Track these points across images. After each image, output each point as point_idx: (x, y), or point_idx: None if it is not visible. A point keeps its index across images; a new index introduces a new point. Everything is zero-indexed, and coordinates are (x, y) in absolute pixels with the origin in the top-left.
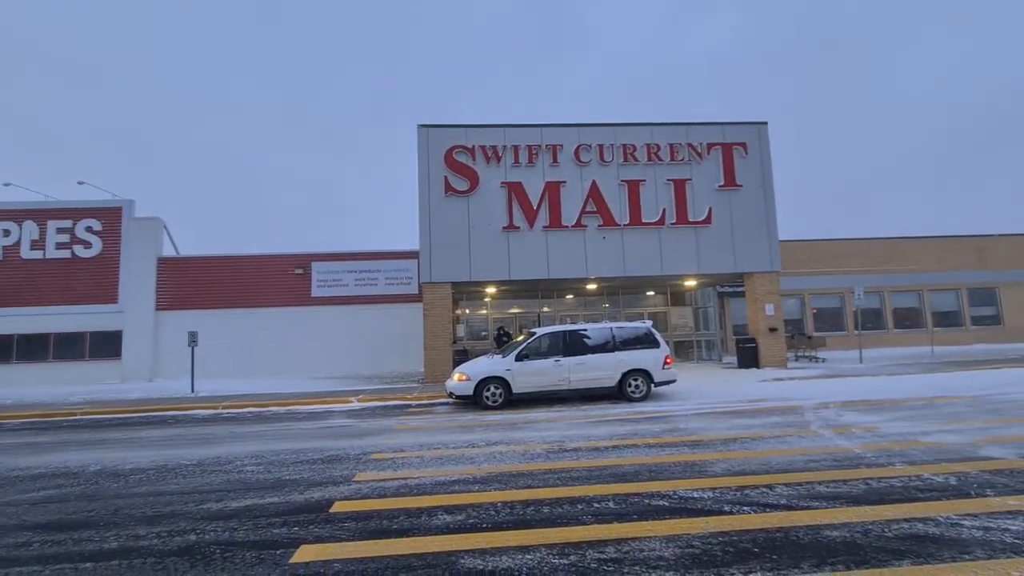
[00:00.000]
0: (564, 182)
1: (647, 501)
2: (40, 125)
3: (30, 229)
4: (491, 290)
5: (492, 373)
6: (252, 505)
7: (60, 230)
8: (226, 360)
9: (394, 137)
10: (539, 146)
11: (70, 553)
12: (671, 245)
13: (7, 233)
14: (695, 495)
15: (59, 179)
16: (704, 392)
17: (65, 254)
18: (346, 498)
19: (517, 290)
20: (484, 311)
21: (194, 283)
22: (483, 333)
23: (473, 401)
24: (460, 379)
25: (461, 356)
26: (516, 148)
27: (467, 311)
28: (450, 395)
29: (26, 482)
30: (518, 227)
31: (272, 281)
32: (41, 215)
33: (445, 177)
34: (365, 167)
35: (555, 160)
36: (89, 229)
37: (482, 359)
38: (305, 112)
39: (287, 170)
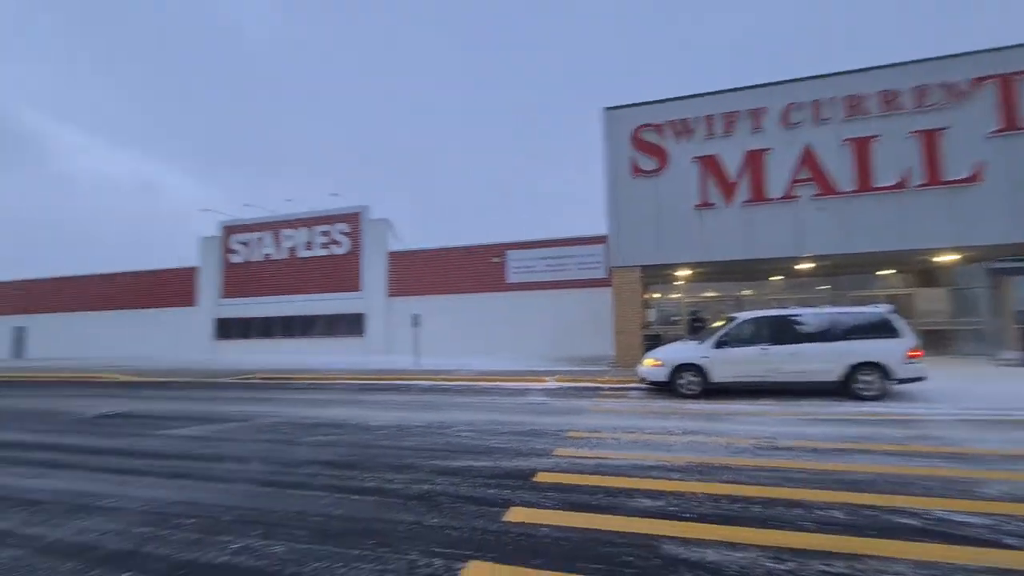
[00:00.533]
0: (769, 149)
1: (888, 517)
2: (286, 143)
3: (303, 234)
4: (683, 273)
5: (688, 360)
6: (469, 466)
7: (323, 234)
8: (441, 339)
9: (574, 125)
10: (736, 113)
11: (342, 486)
12: (916, 212)
13: (289, 238)
14: (958, 519)
15: (313, 189)
16: (968, 394)
17: (325, 252)
18: (547, 470)
19: (712, 272)
20: (676, 295)
21: (414, 273)
22: (674, 318)
23: (667, 388)
24: (653, 364)
25: (652, 341)
26: (709, 119)
27: (658, 295)
28: (642, 380)
29: (310, 428)
30: (712, 204)
31: (473, 269)
32: (310, 222)
33: (632, 158)
34: (552, 156)
35: (757, 126)
36: (341, 231)
37: (676, 344)
38: (489, 103)
39: (478, 165)
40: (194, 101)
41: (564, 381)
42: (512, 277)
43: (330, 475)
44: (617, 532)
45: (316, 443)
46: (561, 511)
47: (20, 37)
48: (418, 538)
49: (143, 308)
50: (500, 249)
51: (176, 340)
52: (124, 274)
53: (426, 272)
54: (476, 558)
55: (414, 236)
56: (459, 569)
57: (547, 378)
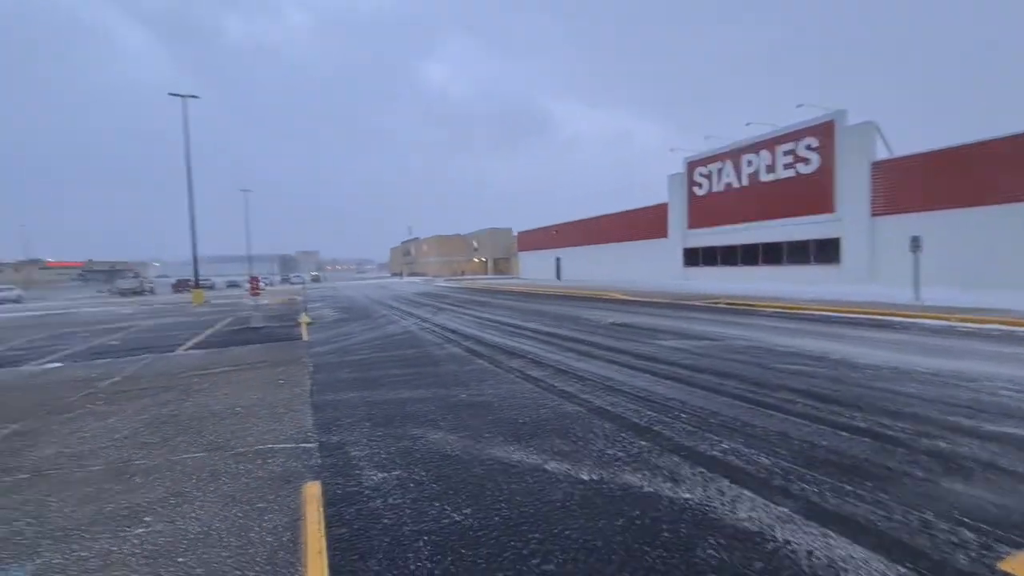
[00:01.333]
0: None
1: None
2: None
3: (764, 157)
4: None
5: None
6: (1012, 434)
7: (786, 152)
8: (949, 267)
9: None
10: None
11: (824, 419)
12: None
13: (750, 163)
14: None
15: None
16: None
17: (791, 173)
18: None
19: None
20: None
21: (910, 185)
22: None
23: None
24: None
25: None
26: None
27: None
28: None
29: (783, 356)
30: None
31: (1013, 171)
32: (771, 143)
33: None
34: None
35: None
36: (808, 147)
37: None
38: None
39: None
40: (648, 53)
41: None
42: None
43: (809, 405)
44: None
45: (790, 371)
46: None
47: (523, 41)
48: (934, 499)
49: (627, 241)
50: None
51: (652, 267)
52: (613, 215)
53: (929, 182)
54: None
55: (909, 140)
56: (1004, 555)
57: None
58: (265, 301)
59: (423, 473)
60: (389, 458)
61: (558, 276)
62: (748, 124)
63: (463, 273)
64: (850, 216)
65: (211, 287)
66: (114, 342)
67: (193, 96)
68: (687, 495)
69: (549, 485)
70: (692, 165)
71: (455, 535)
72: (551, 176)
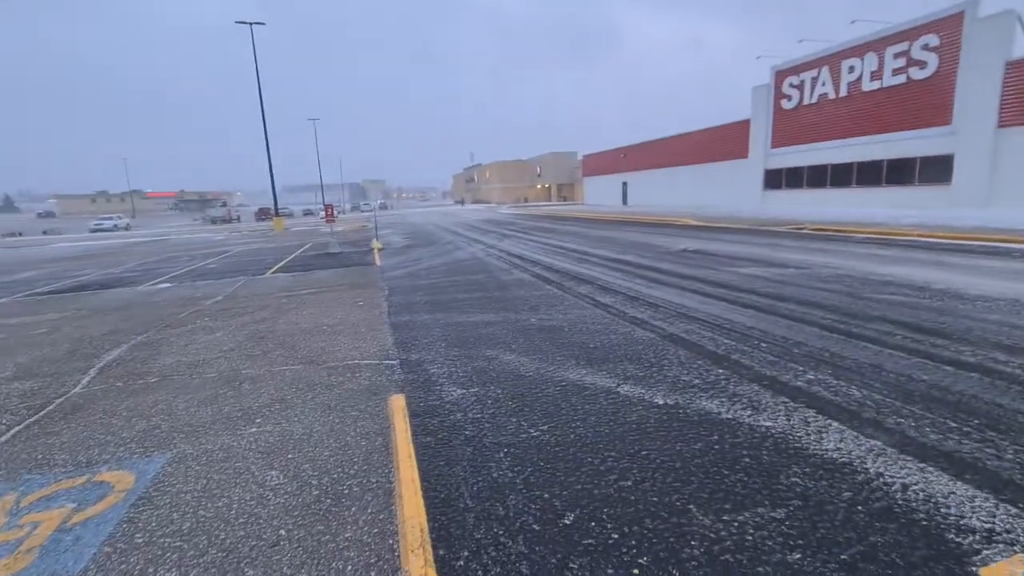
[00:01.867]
0: None
1: None
2: None
3: (870, 61)
4: None
5: None
6: None
7: (897, 55)
8: None
9: None
10: None
11: (926, 352)
12: None
13: (851, 70)
14: None
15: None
16: None
17: (900, 79)
18: None
19: None
20: None
21: None
22: None
23: None
24: None
25: None
26: None
27: None
28: None
29: (877, 285)
30: None
31: None
32: (879, 44)
33: None
34: None
35: None
36: (925, 47)
37: None
38: None
39: None
40: None
41: None
42: None
43: (908, 337)
44: None
45: (887, 302)
46: None
47: None
48: None
49: (700, 163)
50: None
51: (728, 191)
52: (684, 135)
53: None
54: None
55: None
56: None
57: None
58: (339, 228)
59: (499, 391)
60: (466, 376)
61: (624, 202)
62: (853, 22)
63: (526, 200)
64: (970, 128)
65: (289, 215)
66: (212, 265)
67: (259, 23)
68: (768, 423)
69: (623, 407)
70: (781, 75)
71: (533, 449)
72: (617, 95)
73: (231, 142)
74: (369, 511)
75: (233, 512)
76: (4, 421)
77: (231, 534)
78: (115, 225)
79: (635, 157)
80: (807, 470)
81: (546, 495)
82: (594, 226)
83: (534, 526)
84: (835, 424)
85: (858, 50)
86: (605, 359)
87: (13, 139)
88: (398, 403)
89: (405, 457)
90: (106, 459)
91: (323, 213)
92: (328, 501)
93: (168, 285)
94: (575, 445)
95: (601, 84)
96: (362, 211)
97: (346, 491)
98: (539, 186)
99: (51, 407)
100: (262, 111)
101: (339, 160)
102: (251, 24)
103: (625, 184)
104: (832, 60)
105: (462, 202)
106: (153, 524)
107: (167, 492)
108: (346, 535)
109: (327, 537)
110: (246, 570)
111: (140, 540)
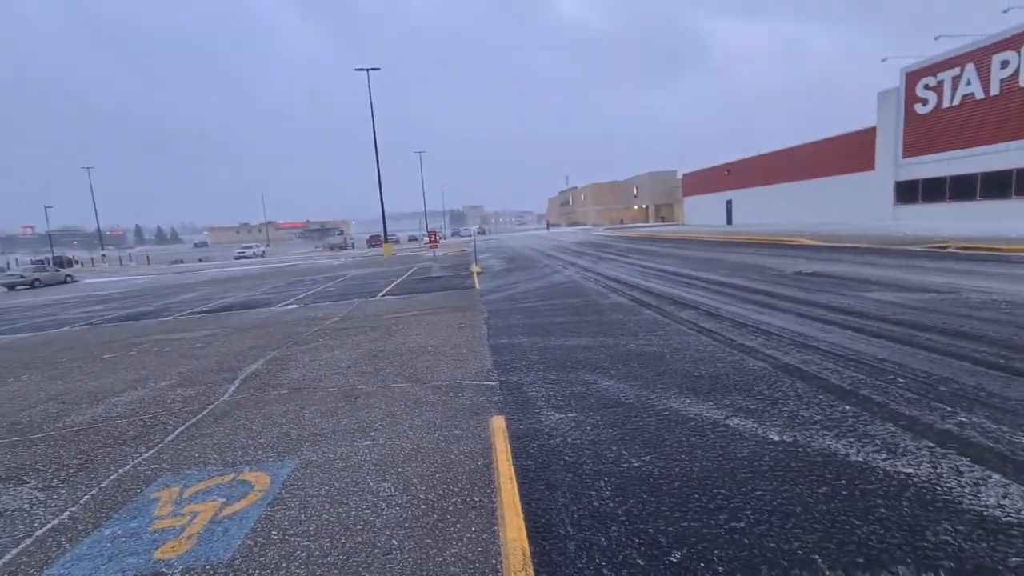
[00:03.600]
0: None
1: None
2: None
3: None
4: None
5: None
6: None
7: None
8: None
9: None
10: None
11: None
12: None
13: (1004, 65)
14: None
15: None
16: None
17: None
18: None
19: None
20: None
21: None
22: None
23: None
24: None
25: None
26: None
27: None
28: None
29: None
30: None
31: None
32: None
33: None
34: None
35: None
36: None
37: None
38: None
39: None
40: None
41: None
42: None
43: None
44: None
45: None
46: None
47: None
48: None
49: (816, 178)
50: None
51: (849, 207)
52: (797, 148)
53: None
54: None
55: None
56: None
57: None
58: (441, 252)
59: (598, 417)
60: (564, 400)
61: (729, 221)
62: (1006, 11)
63: (622, 221)
64: None
65: (396, 241)
66: (330, 288)
67: (374, 68)
68: (909, 470)
69: (734, 442)
70: (913, 77)
71: (635, 480)
72: (712, 110)
73: (348, 173)
74: (473, 529)
75: (351, 518)
76: (171, 422)
77: (350, 539)
78: (254, 252)
79: (740, 173)
80: (961, 528)
81: (650, 529)
82: (696, 247)
83: (638, 560)
84: (996, 476)
85: (1015, 41)
86: (711, 389)
87: (178, 180)
88: (498, 424)
89: (506, 479)
90: (247, 460)
91: (427, 239)
92: (435, 516)
93: (295, 306)
94: (680, 479)
95: (694, 99)
96: (461, 236)
97: (451, 508)
98: (636, 207)
99: (204, 412)
100: (376, 150)
101: (441, 188)
102: (368, 70)
103: (730, 202)
104: (979, 55)
105: (553, 225)
106: (286, 523)
107: (296, 495)
108: (452, 551)
109: (434, 551)
110: (363, 574)
111: (275, 537)
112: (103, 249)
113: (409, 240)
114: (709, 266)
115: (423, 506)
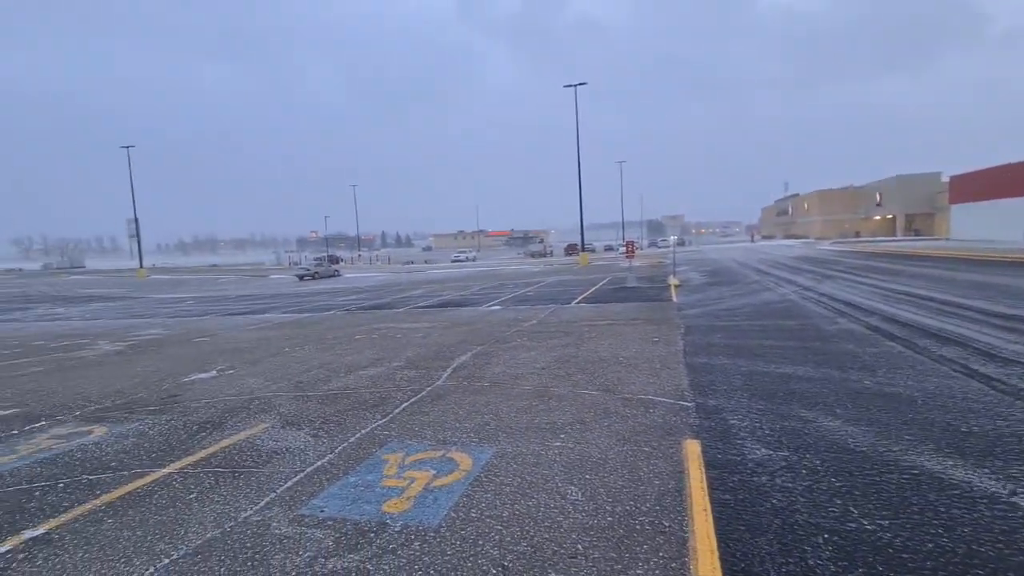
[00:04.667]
0: None
1: None
2: None
3: None
4: None
5: None
6: None
7: None
8: None
9: None
10: None
11: None
12: None
13: None
14: None
15: None
16: None
17: None
18: None
19: None
20: None
21: None
22: None
23: None
24: None
25: None
26: None
27: None
28: None
29: None
30: None
31: None
32: None
33: None
34: None
35: None
36: None
37: None
38: None
39: None
40: None
41: None
42: None
43: None
44: None
45: None
46: None
47: None
48: None
49: None
50: None
51: None
52: None
53: None
54: None
55: None
56: None
57: None
58: (637, 263)
59: (817, 462)
60: (773, 435)
61: None
62: None
63: (857, 234)
64: None
65: (592, 250)
66: (529, 293)
67: (582, 84)
68: None
69: (1022, 528)
70: None
71: (866, 546)
72: (978, 99)
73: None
74: (661, 555)
75: (540, 514)
76: (399, 397)
77: (538, 534)
78: (466, 257)
79: None
80: None
81: None
82: (968, 268)
83: None
84: None
85: None
86: (988, 452)
87: (412, 194)
88: (693, 449)
89: (700, 510)
90: (454, 441)
91: (623, 249)
92: (620, 531)
93: (498, 308)
94: (936, 558)
95: (952, 85)
96: (659, 247)
97: (637, 526)
98: (878, 217)
99: (423, 393)
100: (578, 164)
101: (640, 198)
102: (575, 86)
103: None
104: None
105: (752, 238)
106: (483, 504)
107: (493, 480)
108: (636, 571)
109: (619, 567)
110: (548, 571)
111: (474, 515)
112: (359, 250)
113: (605, 249)
114: (987, 293)
115: (608, 518)
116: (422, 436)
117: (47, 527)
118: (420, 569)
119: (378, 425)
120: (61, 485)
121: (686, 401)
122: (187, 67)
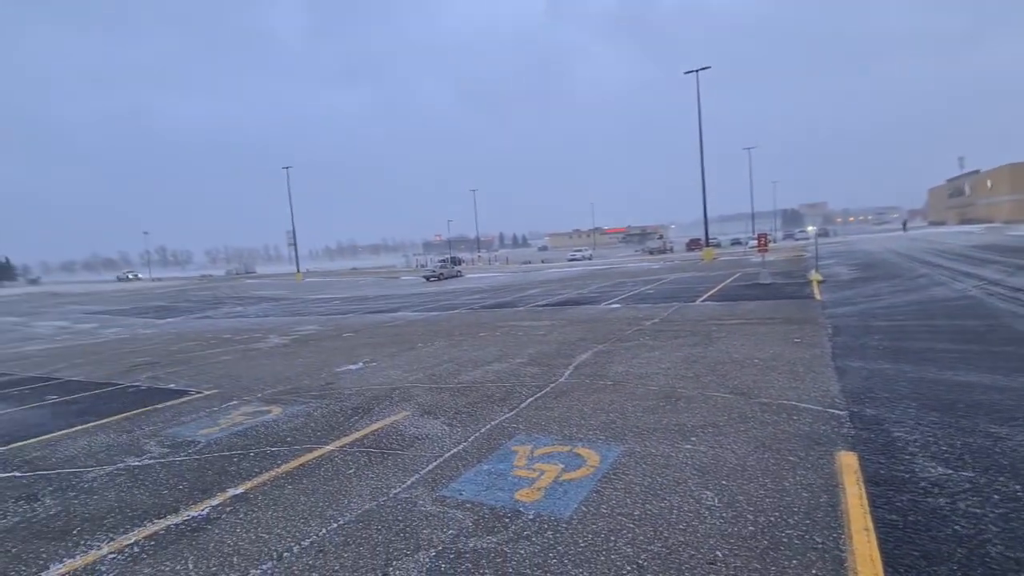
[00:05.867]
0: None
1: None
2: None
3: None
4: None
5: None
6: None
7: None
8: None
9: None
10: None
11: None
12: None
13: None
14: None
15: None
16: None
17: None
18: None
19: None
20: None
21: None
22: None
23: None
24: None
25: None
26: None
27: None
28: None
29: None
30: None
31: None
32: None
33: None
34: None
35: None
36: None
37: None
38: None
39: None
40: None
41: None
42: None
43: None
44: None
45: None
46: None
47: None
48: None
49: None
50: None
51: None
52: None
53: None
54: None
55: None
56: None
57: None
58: (771, 257)
59: (1017, 487)
60: (952, 452)
61: None
62: None
63: None
64: None
65: (717, 245)
66: (649, 291)
67: (705, 68)
68: None
69: None
70: None
71: None
72: None
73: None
74: (814, 572)
75: (674, 516)
76: (524, 392)
77: (672, 536)
78: (583, 256)
79: None
80: None
81: None
82: None
83: None
84: None
85: None
86: None
87: (526, 194)
88: (848, 462)
89: (860, 529)
90: (580, 437)
91: (753, 242)
92: (765, 542)
93: (618, 306)
94: None
95: None
96: (796, 239)
97: (784, 539)
98: None
99: (547, 389)
100: (701, 153)
101: (772, 185)
102: (697, 71)
103: None
104: None
105: (904, 226)
106: (613, 501)
107: (622, 479)
108: None
109: None
110: (686, 574)
111: (604, 510)
112: (479, 251)
113: (732, 244)
114: None
115: (750, 527)
116: (548, 431)
117: (244, 488)
118: (555, 558)
119: (506, 418)
120: (252, 454)
121: (837, 409)
122: (328, 95)
